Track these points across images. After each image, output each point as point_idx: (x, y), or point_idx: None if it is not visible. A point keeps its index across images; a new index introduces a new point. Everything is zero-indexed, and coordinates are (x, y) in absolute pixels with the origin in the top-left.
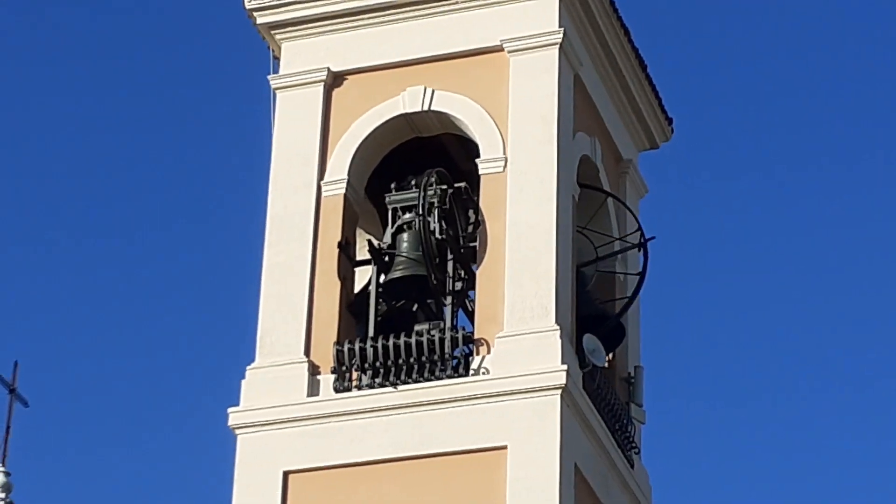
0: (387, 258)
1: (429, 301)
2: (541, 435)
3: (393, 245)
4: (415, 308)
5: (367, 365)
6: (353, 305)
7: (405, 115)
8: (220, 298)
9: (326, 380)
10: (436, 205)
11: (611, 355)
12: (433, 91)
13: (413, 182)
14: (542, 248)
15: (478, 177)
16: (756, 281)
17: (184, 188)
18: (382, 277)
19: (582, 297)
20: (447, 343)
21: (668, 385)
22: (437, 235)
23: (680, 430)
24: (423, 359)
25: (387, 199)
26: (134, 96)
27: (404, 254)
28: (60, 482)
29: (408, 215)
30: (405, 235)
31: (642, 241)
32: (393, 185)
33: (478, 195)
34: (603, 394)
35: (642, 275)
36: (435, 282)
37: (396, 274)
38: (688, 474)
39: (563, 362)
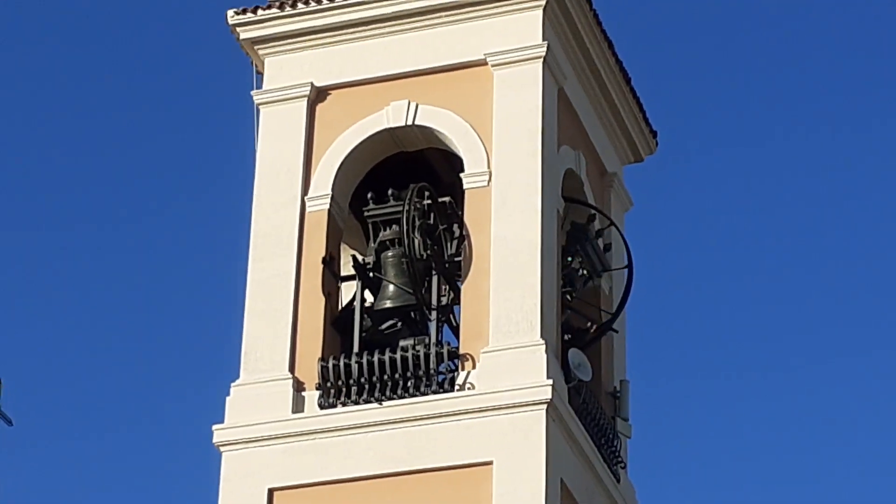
0: (371, 276)
1: (413, 315)
2: (526, 450)
3: (378, 262)
4: (399, 325)
5: (352, 381)
6: (337, 321)
7: (389, 130)
8: (204, 315)
9: (311, 396)
10: (418, 220)
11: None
12: (417, 105)
13: (392, 194)
14: (526, 263)
15: (462, 191)
16: (741, 293)
17: (168, 204)
18: (371, 301)
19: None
20: (432, 358)
21: (653, 399)
22: (421, 252)
23: (666, 444)
24: (409, 374)
25: (366, 213)
26: (118, 112)
27: (392, 280)
28: (46, 500)
29: (389, 231)
30: (390, 255)
31: (628, 263)
32: (370, 197)
33: (462, 210)
34: (589, 408)
35: (626, 290)
36: (425, 308)
37: (386, 304)
38: (674, 489)
39: (548, 377)
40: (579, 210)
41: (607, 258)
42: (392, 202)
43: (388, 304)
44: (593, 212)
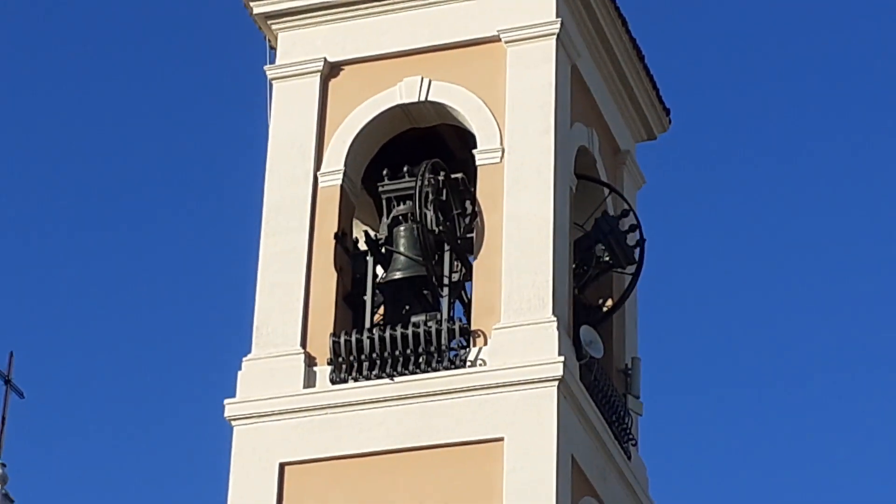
0: (383, 250)
1: (425, 292)
2: (537, 426)
3: (390, 237)
4: (411, 303)
5: (363, 356)
6: (349, 297)
7: (402, 106)
8: (217, 290)
9: (323, 371)
10: (431, 196)
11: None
12: (430, 81)
13: (406, 170)
14: (539, 240)
15: (475, 167)
16: (754, 271)
17: (180, 179)
18: (380, 273)
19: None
20: (444, 335)
21: (665, 376)
22: (434, 227)
23: (677, 421)
24: (420, 350)
25: (380, 189)
26: (130, 87)
27: (402, 251)
28: (56, 473)
29: (403, 206)
30: (402, 229)
31: (640, 239)
32: (385, 173)
33: (475, 186)
34: (600, 385)
35: (638, 267)
36: (435, 280)
37: (396, 275)
38: (685, 466)
39: (559, 354)
40: (614, 200)
41: (632, 253)
42: (406, 178)
43: (399, 274)
44: (626, 207)
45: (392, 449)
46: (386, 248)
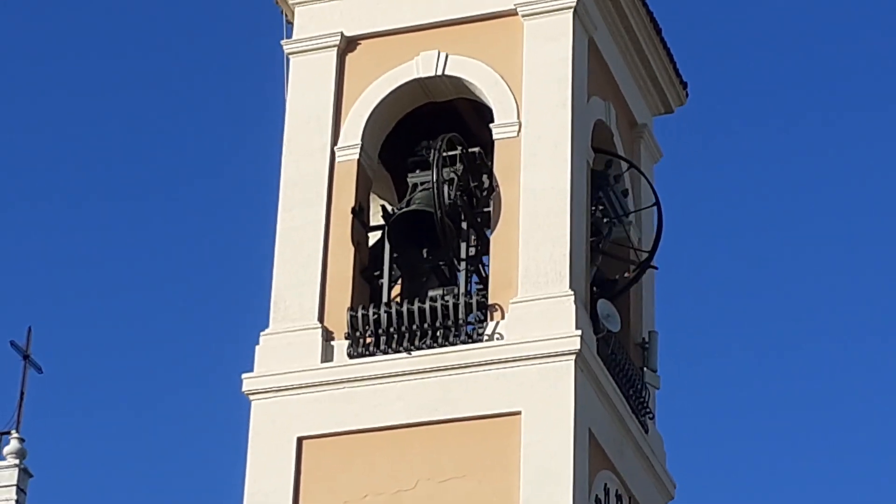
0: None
1: (442, 266)
2: (555, 400)
3: (408, 205)
4: (428, 277)
5: (380, 331)
6: (366, 271)
7: (419, 80)
8: (234, 264)
9: (340, 345)
10: (448, 168)
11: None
12: (447, 55)
13: (427, 146)
14: (556, 213)
15: (492, 142)
16: (771, 245)
17: (198, 153)
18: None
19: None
20: (461, 308)
21: (682, 350)
22: (450, 198)
23: (694, 395)
24: (437, 324)
25: (409, 178)
26: (148, 63)
27: (415, 201)
28: (74, 448)
29: (425, 185)
30: (418, 194)
31: (656, 200)
32: (417, 168)
33: (492, 160)
34: (617, 359)
35: (656, 241)
36: (442, 222)
37: (404, 210)
38: (702, 439)
39: (577, 327)
40: (598, 158)
41: (626, 202)
42: (426, 156)
43: (406, 208)
44: (609, 157)
45: (409, 423)
46: (402, 208)
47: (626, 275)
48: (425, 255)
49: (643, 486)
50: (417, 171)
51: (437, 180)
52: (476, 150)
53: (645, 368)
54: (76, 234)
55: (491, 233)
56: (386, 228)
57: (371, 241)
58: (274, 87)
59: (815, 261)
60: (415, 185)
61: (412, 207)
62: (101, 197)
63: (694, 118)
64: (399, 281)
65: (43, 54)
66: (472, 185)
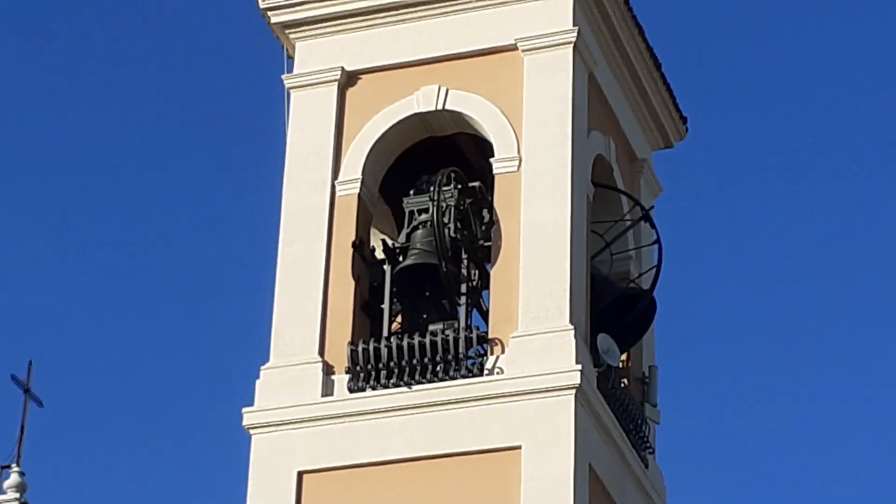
0: (401, 258)
1: (443, 301)
2: (555, 435)
3: (407, 244)
4: (428, 311)
5: (381, 365)
6: (367, 305)
7: (419, 115)
8: (235, 298)
9: (341, 380)
10: (451, 205)
11: (626, 355)
12: (447, 90)
13: (427, 181)
14: (556, 248)
15: (492, 176)
16: (772, 281)
17: (198, 187)
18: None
19: (605, 286)
20: (461, 343)
21: (682, 385)
22: (451, 234)
23: (695, 430)
24: (438, 359)
25: (404, 203)
26: (148, 95)
27: (418, 246)
28: (74, 482)
29: (423, 216)
30: (419, 232)
31: (644, 212)
32: (412, 191)
33: (492, 195)
34: (617, 394)
35: (658, 244)
36: (445, 270)
37: (409, 262)
38: (702, 474)
39: (577, 362)
40: (608, 196)
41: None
42: (426, 191)
43: (411, 261)
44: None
45: (410, 457)
46: (402, 252)
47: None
48: (426, 293)
49: None
50: (412, 194)
51: (437, 221)
52: (476, 184)
53: (645, 403)
54: (77, 268)
55: (491, 267)
56: (388, 269)
57: (371, 276)
58: (274, 121)
59: (818, 297)
60: (412, 213)
61: (415, 261)
62: (102, 233)
63: (694, 153)
64: (399, 315)
65: (42, 93)
66: (472, 219)
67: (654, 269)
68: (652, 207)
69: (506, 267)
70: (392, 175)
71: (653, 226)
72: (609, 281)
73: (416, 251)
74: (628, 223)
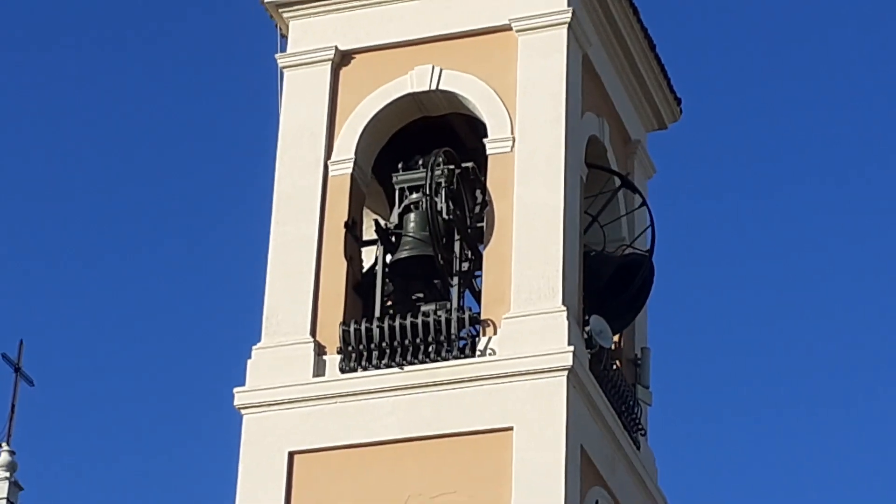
0: (393, 238)
1: (435, 281)
2: (547, 416)
3: (400, 225)
4: (421, 292)
5: (373, 345)
6: (359, 286)
7: (413, 95)
8: (226, 278)
9: (332, 360)
10: (443, 185)
11: (618, 337)
12: (441, 70)
13: (420, 161)
14: (549, 229)
15: (485, 156)
16: (764, 262)
17: (191, 167)
18: (389, 257)
19: (603, 261)
20: (454, 324)
21: (675, 367)
22: (444, 216)
23: (687, 412)
24: (430, 339)
25: (394, 179)
26: (141, 77)
27: (411, 234)
28: (65, 461)
29: (415, 195)
30: (412, 216)
31: (622, 179)
32: (400, 165)
33: (485, 175)
34: (609, 375)
35: (652, 227)
36: (441, 262)
37: (403, 254)
38: (694, 456)
39: (569, 343)
40: (602, 176)
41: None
42: (420, 169)
43: (406, 253)
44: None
45: (401, 438)
46: (395, 236)
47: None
48: (418, 274)
49: (635, 503)
50: (400, 170)
51: (430, 206)
52: (469, 164)
53: (637, 385)
54: (68, 246)
55: (484, 248)
56: (380, 250)
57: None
58: (268, 100)
59: (811, 278)
60: (402, 191)
61: (410, 253)
62: (94, 210)
63: (688, 134)
64: (391, 295)
65: (36, 77)
66: (465, 199)
67: (650, 230)
68: (628, 174)
69: (498, 248)
70: (385, 155)
71: (634, 190)
72: (606, 255)
73: (409, 240)
74: (609, 194)
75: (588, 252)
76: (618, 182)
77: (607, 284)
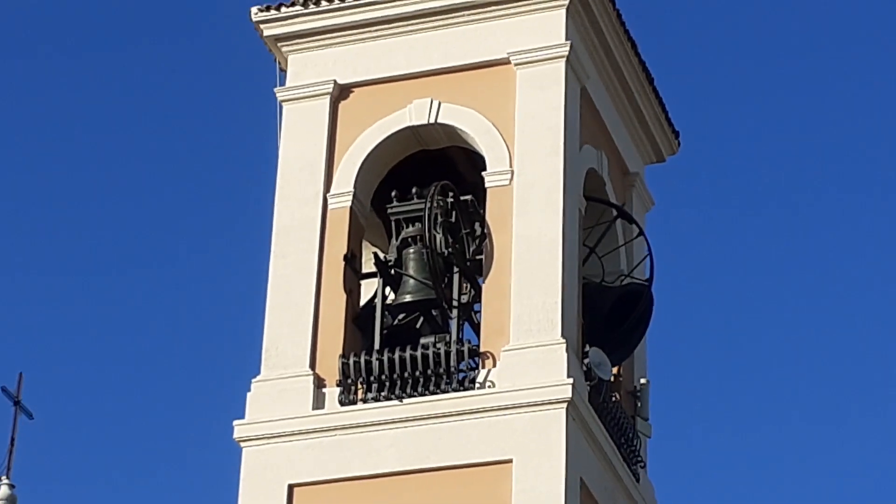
0: (392, 272)
1: (434, 313)
2: (546, 448)
3: (399, 259)
4: (420, 322)
5: (372, 378)
6: (358, 318)
7: (412, 128)
8: (226, 310)
9: (332, 393)
10: (439, 217)
11: (617, 369)
12: (440, 103)
13: (415, 192)
14: (548, 261)
15: (484, 189)
16: (764, 294)
17: (190, 200)
18: (391, 297)
19: (602, 292)
20: (453, 356)
21: (674, 399)
22: (443, 248)
23: (686, 444)
24: (429, 372)
25: (388, 210)
26: (141, 107)
27: (412, 275)
28: (65, 495)
29: (412, 228)
30: (411, 251)
31: (618, 210)
32: (394, 195)
33: (484, 208)
34: (609, 407)
35: (650, 257)
36: (444, 304)
37: (405, 298)
38: (694, 489)
39: (568, 375)
40: (600, 209)
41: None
42: (415, 200)
43: (409, 297)
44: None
45: (401, 470)
46: (395, 271)
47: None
48: (419, 308)
49: None
50: (395, 200)
51: (429, 237)
52: (468, 197)
53: (637, 417)
54: (68, 280)
55: (483, 280)
56: (379, 283)
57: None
58: (267, 134)
59: (808, 307)
60: (398, 223)
61: (412, 298)
62: (94, 244)
63: (686, 167)
64: (391, 328)
65: (35, 101)
66: (463, 232)
67: (648, 259)
68: (624, 204)
69: (497, 280)
70: (384, 188)
71: (631, 221)
72: (605, 286)
73: (411, 283)
74: (606, 225)
75: (587, 284)
76: (615, 213)
77: (607, 316)
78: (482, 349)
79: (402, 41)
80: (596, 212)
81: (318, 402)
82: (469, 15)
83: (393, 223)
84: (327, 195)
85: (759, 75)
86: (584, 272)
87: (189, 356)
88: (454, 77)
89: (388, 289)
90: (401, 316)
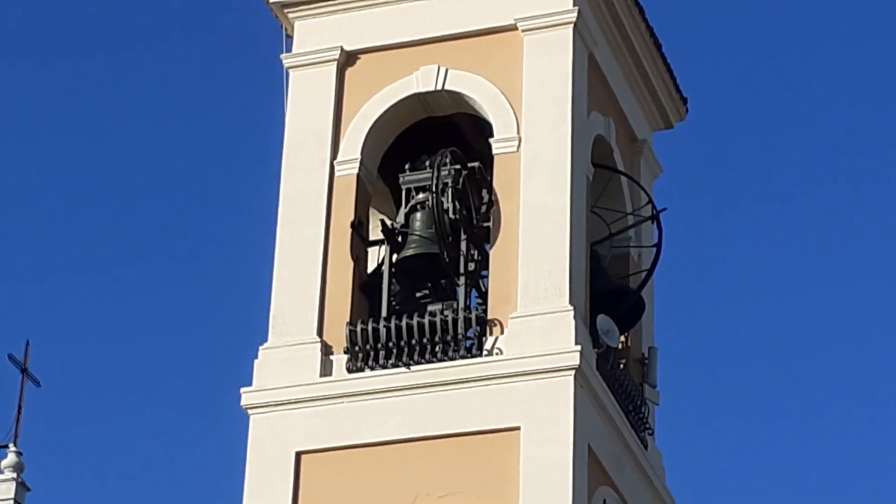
0: (400, 238)
1: (442, 281)
2: (554, 416)
3: (406, 225)
4: (427, 289)
5: (380, 345)
6: (365, 286)
7: (418, 95)
8: (233, 278)
9: (339, 360)
10: (449, 185)
11: (625, 336)
12: (447, 70)
13: (427, 162)
14: (555, 229)
15: (491, 157)
16: (772, 261)
17: (197, 168)
18: (395, 256)
19: (598, 276)
20: (460, 323)
21: (682, 366)
22: (451, 215)
23: (694, 411)
24: (437, 339)
25: (401, 179)
26: (147, 77)
27: (417, 232)
28: (72, 462)
29: (421, 195)
30: (418, 215)
31: (654, 213)
32: (407, 166)
33: (491, 175)
34: (617, 375)
35: (658, 248)
36: (447, 260)
37: (409, 252)
38: (702, 455)
39: (576, 343)
40: (608, 176)
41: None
42: (427, 169)
43: (411, 251)
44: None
45: (408, 438)
46: (402, 235)
47: (628, 287)
48: (425, 274)
49: (642, 503)
50: (408, 170)
51: (436, 205)
52: (475, 164)
53: (644, 384)
54: (74, 247)
55: (490, 248)
56: (387, 250)
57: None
58: (273, 101)
59: (816, 275)
60: (409, 191)
61: (416, 251)
62: (99, 211)
63: (694, 133)
64: (398, 295)
65: (35, 74)
66: (471, 199)
67: (647, 271)
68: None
69: (505, 247)
70: (391, 155)
71: (659, 226)
72: (603, 271)
73: (416, 238)
74: (636, 219)
75: (594, 252)
76: (642, 204)
77: (601, 295)
78: (489, 317)
79: (409, 7)
80: (603, 178)
81: (326, 369)
82: None
83: (403, 192)
84: (334, 162)
85: (768, 40)
86: (591, 239)
87: (196, 324)
88: (461, 43)
89: (395, 255)
90: (409, 283)
